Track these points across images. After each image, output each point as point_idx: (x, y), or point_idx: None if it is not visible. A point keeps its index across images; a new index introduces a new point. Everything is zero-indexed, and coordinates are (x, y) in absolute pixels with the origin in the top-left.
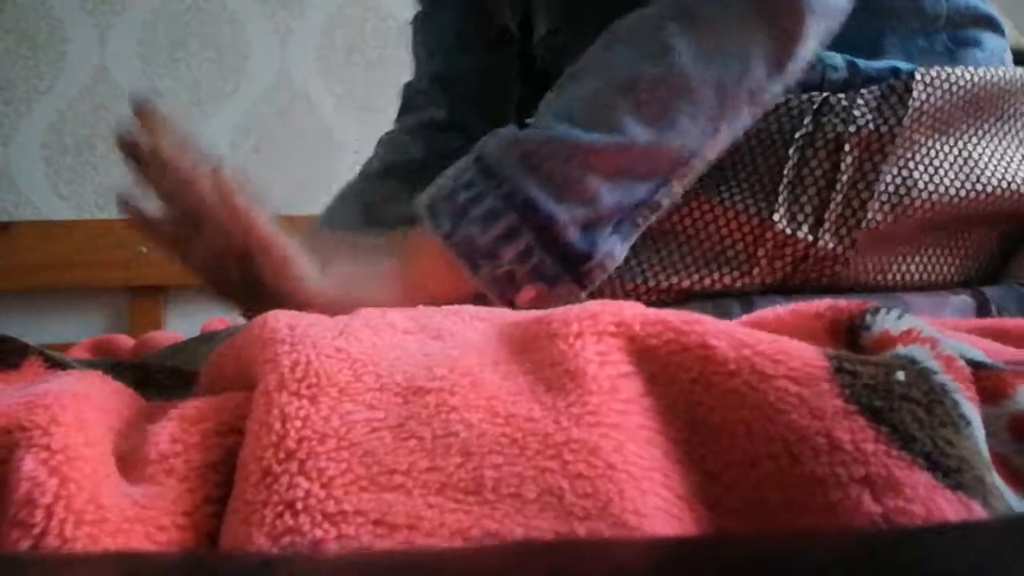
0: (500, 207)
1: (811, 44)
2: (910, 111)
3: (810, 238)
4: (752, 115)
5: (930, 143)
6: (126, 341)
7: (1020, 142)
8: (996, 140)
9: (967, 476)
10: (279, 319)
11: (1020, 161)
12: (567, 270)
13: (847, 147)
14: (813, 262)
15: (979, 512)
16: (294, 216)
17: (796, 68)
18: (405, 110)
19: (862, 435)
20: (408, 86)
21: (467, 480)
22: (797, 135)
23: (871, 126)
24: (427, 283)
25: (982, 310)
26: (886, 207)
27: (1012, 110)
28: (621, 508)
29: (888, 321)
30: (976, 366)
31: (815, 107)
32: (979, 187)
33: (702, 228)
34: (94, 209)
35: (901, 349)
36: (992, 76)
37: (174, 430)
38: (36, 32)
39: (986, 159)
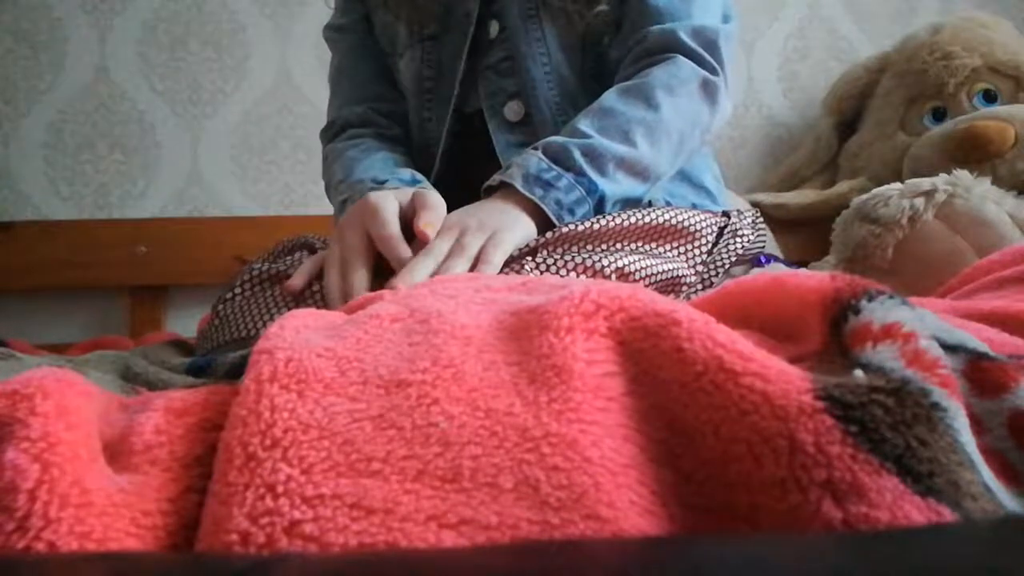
0: (573, 182)
1: (722, 116)
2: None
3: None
4: (702, 143)
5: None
6: (126, 342)
7: None
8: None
9: (939, 480)
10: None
11: None
12: (595, 211)
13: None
14: None
15: (948, 518)
16: (294, 216)
17: (716, 124)
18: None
19: (827, 436)
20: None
21: (444, 468)
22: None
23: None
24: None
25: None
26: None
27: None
28: (595, 500)
29: (877, 309)
30: (978, 357)
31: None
32: None
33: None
34: (94, 209)
35: (861, 354)
36: None
37: (159, 421)
38: (36, 32)
39: None
